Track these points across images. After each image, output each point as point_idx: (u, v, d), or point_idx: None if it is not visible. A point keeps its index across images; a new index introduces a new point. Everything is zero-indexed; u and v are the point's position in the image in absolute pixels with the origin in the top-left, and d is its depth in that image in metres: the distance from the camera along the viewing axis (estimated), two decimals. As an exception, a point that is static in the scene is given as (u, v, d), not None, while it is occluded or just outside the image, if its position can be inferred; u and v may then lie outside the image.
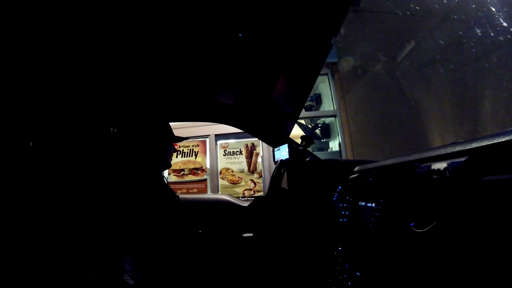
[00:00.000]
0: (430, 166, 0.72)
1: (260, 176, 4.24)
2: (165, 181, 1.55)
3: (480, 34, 4.17)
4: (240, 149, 4.34)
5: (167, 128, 1.61)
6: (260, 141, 4.24)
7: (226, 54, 1.43)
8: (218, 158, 4.37)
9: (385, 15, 4.66)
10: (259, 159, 4.27)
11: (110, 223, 1.27)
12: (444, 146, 0.73)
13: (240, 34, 1.27)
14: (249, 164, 4.27)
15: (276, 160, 1.94)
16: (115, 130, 1.67)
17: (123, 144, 1.54)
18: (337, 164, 1.66)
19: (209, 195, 2.04)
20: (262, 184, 4.20)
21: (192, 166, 4.35)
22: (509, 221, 0.48)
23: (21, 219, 1.23)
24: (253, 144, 4.31)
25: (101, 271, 1.10)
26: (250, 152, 4.31)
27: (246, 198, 4.01)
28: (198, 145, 4.39)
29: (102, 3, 1.08)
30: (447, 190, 0.62)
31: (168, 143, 1.60)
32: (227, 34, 1.29)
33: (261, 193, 4.11)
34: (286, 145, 1.80)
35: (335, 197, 1.48)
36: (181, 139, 1.69)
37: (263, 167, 4.25)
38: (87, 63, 1.42)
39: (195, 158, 4.38)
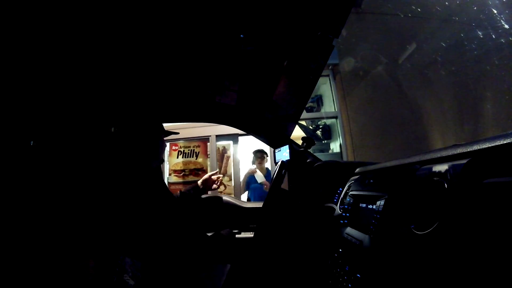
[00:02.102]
0: (431, 168, 0.72)
1: (230, 179, 4.35)
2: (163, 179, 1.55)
3: (481, 36, 4.17)
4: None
5: (158, 124, 1.62)
6: (231, 144, 4.40)
7: (228, 55, 1.43)
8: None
9: (386, 17, 4.67)
10: (230, 162, 4.39)
11: (111, 222, 1.27)
12: (445, 148, 0.73)
13: (242, 35, 1.28)
14: (220, 167, 4.36)
15: (277, 161, 1.94)
16: (116, 130, 1.67)
17: (122, 144, 1.54)
18: (338, 165, 1.66)
19: (210, 196, 2.04)
20: (232, 187, 4.32)
21: (193, 167, 4.35)
22: (510, 223, 0.48)
23: (22, 219, 1.23)
24: (224, 147, 4.42)
25: (101, 272, 1.10)
26: (221, 155, 4.42)
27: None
28: (199, 146, 4.40)
29: (104, 3, 1.08)
30: (448, 192, 0.62)
31: (160, 138, 1.61)
32: (229, 35, 1.29)
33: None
34: (287, 146, 1.80)
35: (336, 199, 1.48)
36: (170, 133, 1.69)
37: (233, 171, 4.38)
38: (89, 63, 1.42)
39: (196, 159, 4.38)
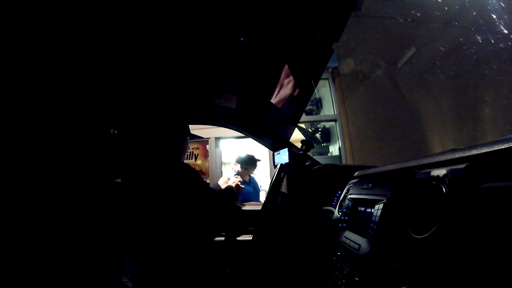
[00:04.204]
0: (430, 172, 0.72)
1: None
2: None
3: (480, 41, 4.18)
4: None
5: (185, 125, 1.60)
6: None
7: (228, 58, 1.44)
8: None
9: (386, 21, 4.68)
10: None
11: (111, 224, 1.27)
12: (443, 153, 0.74)
13: (242, 39, 1.28)
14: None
15: (275, 164, 1.94)
16: (115, 131, 1.67)
17: (137, 144, 1.54)
18: (336, 169, 1.66)
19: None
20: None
21: (192, 169, 4.34)
22: (508, 228, 0.49)
23: (23, 220, 1.23)
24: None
25: (100, 274, 1.10)
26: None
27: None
28: (198, 148, 4.39)
29: (104, 5, 1.08)
30: (447, 196, 0.62)
31: (185, 139, 1.59)
32: (229, 39, 1.30)
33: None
34: (286, 149, 1.80)
35: (334, 202, 1.48)
36: (196, 136, 1.68)
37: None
38: (90, 65, 1.42)
39: (195, 161, 4.37)
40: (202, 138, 1.78)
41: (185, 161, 4.48)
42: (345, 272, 0.98)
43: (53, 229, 1.22)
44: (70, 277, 1.08)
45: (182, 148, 1.59)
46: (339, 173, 1.55)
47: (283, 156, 1.84)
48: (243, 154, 3.71)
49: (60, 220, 1.26)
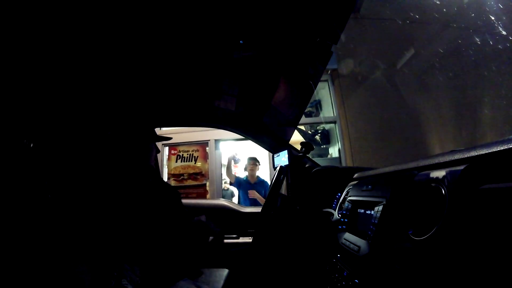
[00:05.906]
0: (429, 174, 0.72)
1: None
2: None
3: (479, 42, 4.19)
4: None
5: (149, 130, 1.58)
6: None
7: (227, 60, 1.44)
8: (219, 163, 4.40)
9: (385, 23, 4.69)
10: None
11: (109, 226, 1.27)
12: (443, 154, 0.74)
13: (241, 41, 1.28)
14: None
15: (275, 166, 1.94)
16: (112, 133, 1.67)
17: (117, 147, 1.53)
18: (336, 170, 1.66)
19: (208, 200, 2.03)
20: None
21: (191, 171, 4.34)
22: (507, 228, 0.49)
23: (19, 221, 1.22)
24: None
25: (98, 276, 1.09)
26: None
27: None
28: (197, 150, 4.39)
29: (103, 7, 1.08)
30: (446, 198, 0.62)
31: (148, 145, 1.56)
32: (228, 41, 1.30)
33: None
34: (286, 151, 1.80)
35: (334, 204, 1.48)
36: (162, 138, 1.63)
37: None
38: (88, 65, 1.42)
39: (195, 163, 4.37)
40: (170, 138, 1.71)
41: (185, 163, 4.48)
42: (345, 274, 0.98)
43: (49, 231, 1.22)
44: (68, 281, 1.08)
45: (145, 152, 1.56)
46: (338, 175, 1.55)
47: (282, 158, 1.84)
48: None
49: (57, 222, 1.25)
